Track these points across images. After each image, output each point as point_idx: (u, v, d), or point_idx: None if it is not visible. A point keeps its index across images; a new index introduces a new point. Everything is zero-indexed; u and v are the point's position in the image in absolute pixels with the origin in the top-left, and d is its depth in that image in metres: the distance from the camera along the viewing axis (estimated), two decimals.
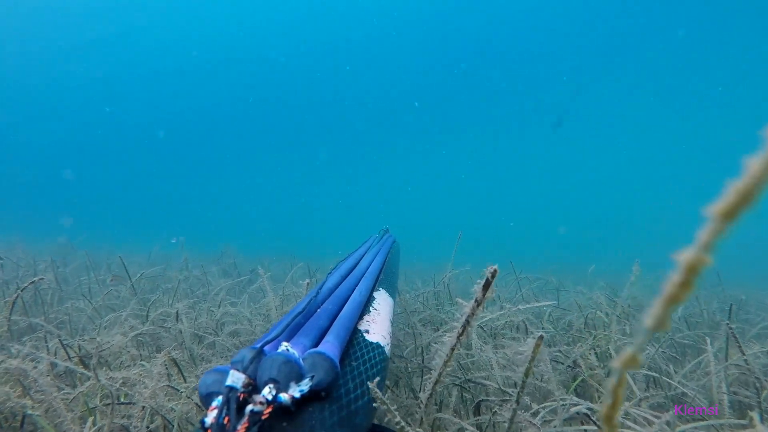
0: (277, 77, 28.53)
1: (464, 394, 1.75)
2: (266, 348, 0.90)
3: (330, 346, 0.96)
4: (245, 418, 0.69)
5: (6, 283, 3.40)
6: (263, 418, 0.71)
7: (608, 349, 2.40)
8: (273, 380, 0.76)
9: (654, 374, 1.95)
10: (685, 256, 0.28)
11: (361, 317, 1.31)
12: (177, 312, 2.29)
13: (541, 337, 0.83)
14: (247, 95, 29.77)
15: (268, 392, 0.74)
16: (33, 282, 1.95)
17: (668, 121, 25.71)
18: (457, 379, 1.76)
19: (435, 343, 2.19)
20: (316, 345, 0.98)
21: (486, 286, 0.82)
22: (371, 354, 1.10)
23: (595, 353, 2.41)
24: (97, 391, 1.60)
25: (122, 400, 1.55)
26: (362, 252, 2.22)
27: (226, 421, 0.68)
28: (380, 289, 1.74)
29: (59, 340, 1.76)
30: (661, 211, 27.46)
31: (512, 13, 22.37)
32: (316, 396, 0.81)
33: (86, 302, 3.11)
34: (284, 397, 0.74)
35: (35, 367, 1.48)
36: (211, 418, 0.69)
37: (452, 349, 0.93)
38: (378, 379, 0.99)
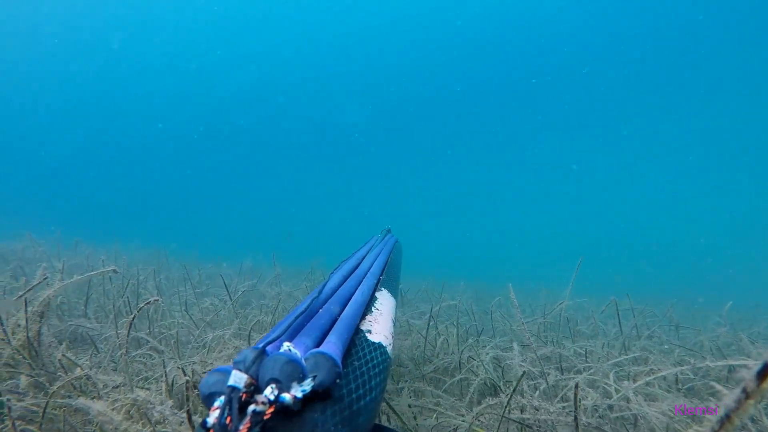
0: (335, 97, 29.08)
1: None
2: (268, 348, 0.90)
3: (332, 346, 0.96)
4: (247, 418, 0.69)
5: (111, 295, 3.52)
6: (265, 418, 0.71)
7: None
8: (275, 380, 0.75)
9: None
10: None
11: (363, 317, 1.31)
12: None
13: None
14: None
15: (270, 392, 0.73)
16: (149, 303, 1.93)
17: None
18: None
19: (570, 390, 1.90)
20: (318, 345, 0.98)
21: (764, 376, 0.57)
22: (373, 354, 1.09)
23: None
24: None
25: None
26: (364, 252, 2.20)
27: (228, 421, 0.67)
28: (382, 289, 1.73)
29: (181, 369, 1.71)
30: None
31: (540, 16, 21.36)
32: (318, 396, 0.81)
33: (185, 315, 3.15)
34: (287, 397, 0.73)
35: (158, 399, 1.42)
36: (213, 418, 0.68)
37: None
38: (380, 378, 0.99)
